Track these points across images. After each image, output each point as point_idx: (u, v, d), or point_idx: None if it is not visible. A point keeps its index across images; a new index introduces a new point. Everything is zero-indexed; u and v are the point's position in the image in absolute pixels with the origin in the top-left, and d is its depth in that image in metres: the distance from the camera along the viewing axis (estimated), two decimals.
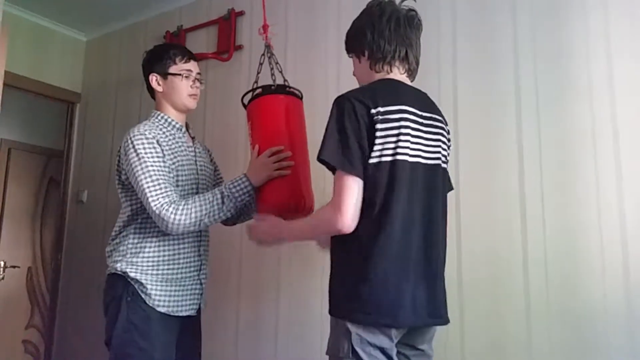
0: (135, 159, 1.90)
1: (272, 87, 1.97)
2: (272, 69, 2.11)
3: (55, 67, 4.04)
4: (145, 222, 2.01)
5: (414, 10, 1.67)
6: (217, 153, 3.19)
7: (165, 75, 2.09)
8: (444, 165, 1.66)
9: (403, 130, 1.50)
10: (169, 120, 2.08)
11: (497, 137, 2.29)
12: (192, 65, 2.12)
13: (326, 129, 1.53)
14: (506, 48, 2.32)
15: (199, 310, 2.10)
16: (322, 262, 2.64)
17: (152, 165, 1.89)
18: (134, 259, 1.97)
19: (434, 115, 1.65)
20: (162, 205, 1.84)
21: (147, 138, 1.94)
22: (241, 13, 3.23)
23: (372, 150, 1.48)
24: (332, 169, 1.53)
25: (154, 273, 1.96)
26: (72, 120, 4.15)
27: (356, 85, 2.30)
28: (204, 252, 2.10)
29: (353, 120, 1.49)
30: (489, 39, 2.37)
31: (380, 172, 1.48)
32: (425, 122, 1.60)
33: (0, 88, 2.75)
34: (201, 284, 2.08)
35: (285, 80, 2.15)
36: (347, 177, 1.48)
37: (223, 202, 1.87)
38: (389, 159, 1.48)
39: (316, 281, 2.63)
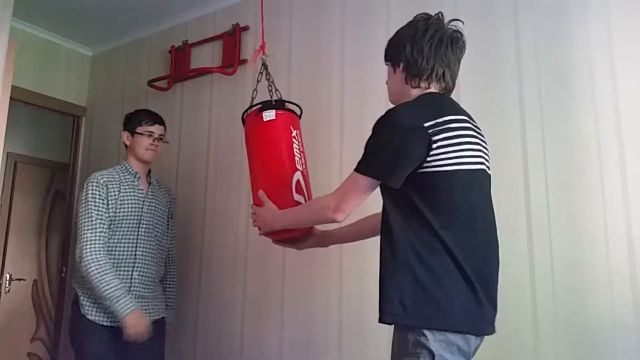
0: (84, 201, 2.54)
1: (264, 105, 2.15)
2: (269, 84, 2.36)
3: (61, 82, 4.07)
4: None
5: (459, 31, 1.68)
6: (220, 166, 3.22)
7: (132, 133, 2.71)
8: (490, 172, 1.68)
9: (462, 140, 1.52)
10: (128, 168, 2.71)
11: (502, 150, 2.29)
12: (155, 128, 2.73)
13: (369, 141, 1.58)
14: (509, 60, 2.33)
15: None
16: (326, 273, 2.65)
17: (97, 212, 2.51)
18: (79, 275, 2.53)
19: (478, 125, 1.68)
20: (83, 244, 2.46)
21: (99, 185, 2.56)
22: (246, 28, 3.26)
23: (431, 161, 1.48)
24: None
25: (88, 286, 2.47)
26: (77, 134, 4.18)
27: (361, 96, 2.31)
28: (137, 277, 2.58)
29: (402, 138, 1.49)
30: (492, 51, 2.39)
31: (445, 180, 1.49)
32: (478, 131, 1.64)
33: (7, 102, 2.77)
34: None
35: (275, 95, 2.33)
36: (364, 178, 1.54)
37: (99, 290, 2.40)
38: (452, 167, 1.49)
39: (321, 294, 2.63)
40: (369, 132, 2.44)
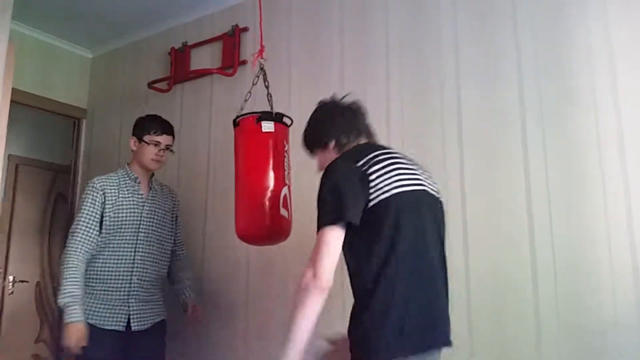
0: (80, 205, 2.59)
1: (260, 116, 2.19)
2: (268, 92, 2.39)
3: (61, 84, 4.07)
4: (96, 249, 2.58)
5: (355, 101, 1.89)
6: (221, 167, 3.22)
7: (140, 140, 2.67)
8: (438, 195, 1.77)
9: (394, 167, 1.64)
10: (129, 172, 2.70)
11: (502, 152, 2.29)
12: (163, 139, 2.69)
13: (318, 198, 1.64)
14: (509, 62, 2.33)
15: (149, 330, 2.59)
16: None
17: (86, 215, 2.54)
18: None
19: (413, 159, 1.82)
20: (69, 243, 2.50)
21: (95, 189, 2.59)
22: (245, 29, 3.26)
23: (372, 193, 1.58)
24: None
25: (88, 291, 2.51)
26: (78, 136, 4.18)
27: (360, 97, 2.34)
28: (137, 281, 2.59)
29: (341, 177, 1.61)
30: (492, 54, 2.38)
31: (386, 207, 1.57)
32: (414, 162, 1.78)
33: (8, 105, 2.78)
34: (129, 307, 2.55)
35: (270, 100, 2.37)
36: (326, 228, 1.56)
37: (59, 291, 2.41)
38: (392, 192, 1.59)
39: None
40: None
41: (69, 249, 2.50)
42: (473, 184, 2.34)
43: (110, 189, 2.62)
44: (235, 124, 2.27)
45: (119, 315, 2.53)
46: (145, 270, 2.64)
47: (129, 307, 2.56)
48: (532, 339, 2.10)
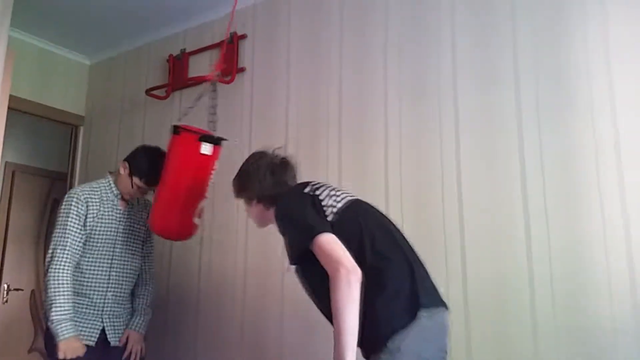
0: (63, 215, 2.53)
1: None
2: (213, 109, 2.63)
3: (59, 91, 4.07)
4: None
5: (285, 157, 2.04)
6: (219, 177, 3.21)
7: (130, 174, 2.61)
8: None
9: (331, 188, 1.89)
10: (112, 187, 2.66)
11: (499, 156, 2.29)
12: (150, 188, 2.61)
13: (288, 226, 1.81)
14: (507, 65, 2.34)
15: (120, 347, 2.57)
16: None
17: (72, 226, 2.50)
18: None
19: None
20: (58, 255, 2.46)
21: (79, 201, 2.54)
22: (243, 36, 3.27)
23: (327, 208, 1.79)
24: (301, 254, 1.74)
25: None
26: (75, 143, 4.18)
27: (359, 99, 2.36)
28: (111, 297, 2.58)
29: (299, 200, 1.83)
30: (490, 55, 2.39)
31: (345, 214, 1.78)
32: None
33: (5, 111, 2.77)
34: (102, 321, 2.54)
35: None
36: (320, 237, 1.67)
37: (49, 307, 2.39)
38: (340, 204, 1.80)
39: None
40: (368, 136, 2.46)
41: (58, 261, 2.44)
42: (470, 191, 2.34)
43: (93, 202, 2.58)
44: (177, 131, 2.36)
45: (91, 330, 2.50)
46: (120, 286, 2.63)
47: (102, 321, 2.54)
48: (529, 343, 2.10)
